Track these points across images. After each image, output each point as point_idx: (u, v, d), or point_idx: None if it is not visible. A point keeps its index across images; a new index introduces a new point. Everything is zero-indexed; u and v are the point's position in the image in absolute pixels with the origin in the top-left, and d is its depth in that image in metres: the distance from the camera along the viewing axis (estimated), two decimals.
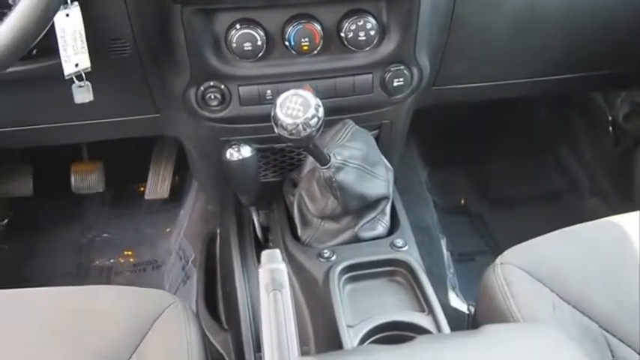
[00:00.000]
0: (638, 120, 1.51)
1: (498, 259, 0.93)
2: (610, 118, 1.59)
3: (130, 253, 1.64)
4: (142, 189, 1.75)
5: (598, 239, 0.95)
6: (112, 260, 1.62)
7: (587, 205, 1.60)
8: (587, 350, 0.79)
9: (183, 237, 1.55)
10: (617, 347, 0.82)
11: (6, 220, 1.69)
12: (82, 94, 0.91)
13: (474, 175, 1.77)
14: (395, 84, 1.04)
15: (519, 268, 0.89)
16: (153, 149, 1.71)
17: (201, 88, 1.01)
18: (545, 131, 1.80)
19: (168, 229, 1.66)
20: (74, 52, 0.85)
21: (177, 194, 1.71)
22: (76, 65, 0.87)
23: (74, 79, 0.89)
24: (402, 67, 1.04)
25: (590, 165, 1.70)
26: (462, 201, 1.70)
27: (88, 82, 0.91)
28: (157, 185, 1.70)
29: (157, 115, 1.17)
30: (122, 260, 1.63)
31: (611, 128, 1.59)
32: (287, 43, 0.97)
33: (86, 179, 1.67)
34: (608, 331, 0.84)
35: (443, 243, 1.42)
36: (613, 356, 0.81)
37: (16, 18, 0.72)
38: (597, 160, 1.68)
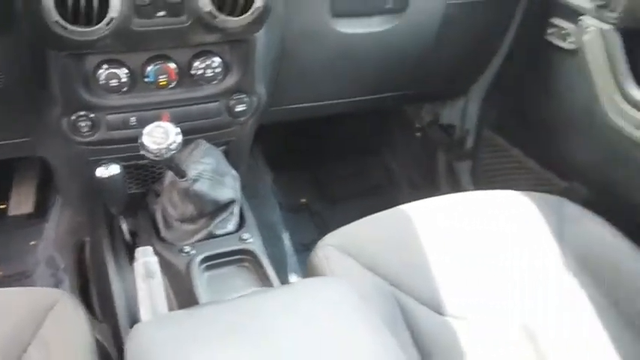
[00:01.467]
0: (437, 127, 1.85)
1: (319, 243, 1.13)
2: (417, 125, 1.92)
3: None
4: (4, 206, 1.80)
5: (392, 221, 1.18)
6: None
7: (403, 196, 1.83)
8: (379, 302, 1.01)
9: (52, 248, 1.64)
10: (402, 297, 1.05)
11: None
12: None
13: (313, 178, 1.98)
14: (238, 109, 1.25)
15: (334, 247, 1.10)
16: (16, 167, 1.79)
17: (73, 117, 1.15)
18: (370, 137, 2.07)
19: (33, 242, 1.72)
20: None
21: (41, 209, 1.78)
22: None
23: None
24: (243, 96, 1.24)
25: (405, 163, 1.99)
26: (304, 200, 1.91)
27: None
28: (21, 201, 1.79)
29: (28, 138, 1.29)
30: None
31: (418, 134, 1.92)
32: (147, 79, 1.14)
33: None
34: (396, 287, 1.06)
35: (286, 236, 1.62)
36: (399, 304, 1.04)
37: None
38: (410, 159, 1.98)
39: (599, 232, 1.16)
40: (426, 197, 1.23)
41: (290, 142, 1.92)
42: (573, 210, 1.22)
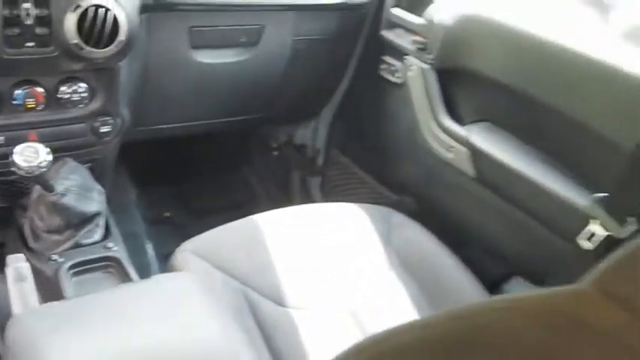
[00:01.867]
0: (292, 146, 2.03)
1: (178, 248, 1.25)
2: (274, 145, 2.09)
3: None
4: None
5: (244, 229, 1.32)
6: None
7: (262, 209, 2.01)
8: (226, 295, 1.15)
9: None
10: (249, 292, 1.19)
11: None
12: None
13: (177, 192, 2.07)
14: (103, 130, 1.36)
15: (191, 252, 1.23)
16: None
17: None
18: (232, 155, 2.20)
19: None
20: None
21: None
22: None
23: None
24: (108, 118, 1.35)
25: (263, 179, 2.15)
26: (168, 214, 2.00)
27: None
28: None
29: None
30: None
31: (275, 152, 2.09)
32: (15, 102, 1.22)
33: None
34: (244, 284, 1.20)
35: (149, 247, 1.72)
36: (246, 299, 1.18)
37: None
38: (268, 175, 2.14)
39: (418, 237, 1.38)
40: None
41: (155, 159, 2.00)
42: (399, 219, 1.43)
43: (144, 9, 1.28)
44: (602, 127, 1.14)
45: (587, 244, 1.15)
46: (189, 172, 2.12)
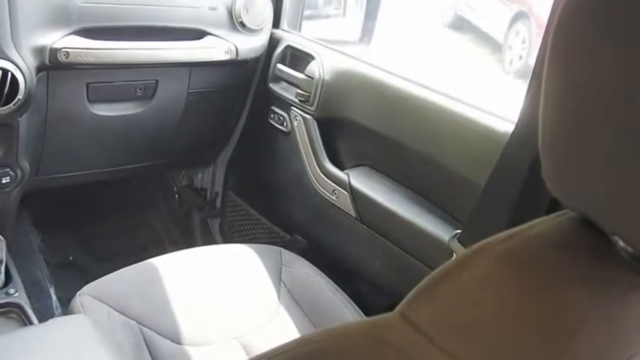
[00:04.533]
0: (192, 190, 2.14)
1: (78, 292, 1.28)
2: (175, 188, 2.19)
3: None
4: None
5: (142, 271, 1.37)
6: None
7: (165, 252, 2.09)
8: (124, 336, 1.21)
9: None
10: (147, 332, 1.24)
11: None
12: None
13: (81, 236, 2.11)
14: (3, 181, 1.44)
15: (90, 295, 1.27)
16: None
17: None
18: (136, 198, 2.26)
19: None
20: None
21: None
22: None
23: None
24: (8, 169, 1.43)
25: (166, 222, 2.23)
26: (71, 257, 2.03)
27: None
28: None
29: None
30: None
31: (177, 196, 2.19)
32: None
33: None
34: (142, 325, 1.24)
35: (52, 290, 1.76)
36: (144, 339, 1.22)
37: None
38: (170, 218, 2.22)
39: (307, 273, 1.48)
40: None
41: (59, 203, 2.05)
42: (289, 257, 1.53)
43: (42, 68, 1.38)
44: (457, 166, 1.30)
45: None
46: (93, 216, 2.17)
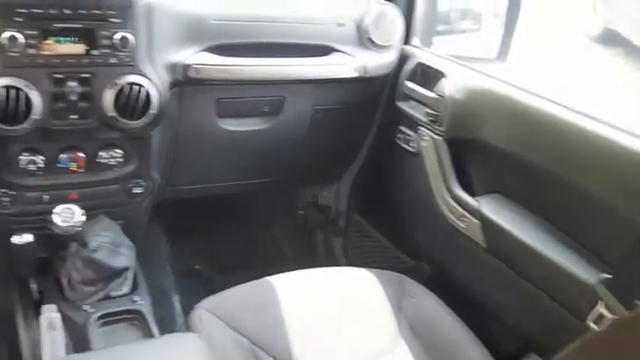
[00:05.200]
0: (316, 207, 2.13)
1: (196, 306, 1.30)
2: (299, 205, 2.19)
3: None
4: None
5: (258, 289, 1.36)
6: None
7: (287, 267, 2.03)
8: (236, 356, 1.21)
9: None
10: (258, 352, 1.23)
11: None
12: None
13: (207, 245, 2.16)
14: (135, 191, 1.50)
15: (207, 310, 1.28)
16: None
17: None
18: (260, 212, 2.29)
19: None
20: None
21: None
22: None
23: None
24: (140, 180, 1.49)
25: (289, 238, 2.23)
26: (197, 266, 2.09)
27: None
28: None
29: None
30: None
31: (301, 212, 2.18)
32: (60, 165, 1.37)
33: None
34: (253, 343, 1.24)
35: (176, 299, 1.82)
36: (255, 358, 1.21)
37: None
38: (293, 234, 2.22)
39: (430, 305, 1.39)
40: (305, 269, 1.46)
41: (187, 214, 2.11)
42: (411, 286, 1.45)
43: (175, 84, 1.43)
44: (606, 198, 1.15)
45: (596, 328, 1.07)
46: (219, 227, 2.22)
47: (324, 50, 1.61)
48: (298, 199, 2.21)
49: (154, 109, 1.35)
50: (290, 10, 1.62)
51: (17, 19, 1.23)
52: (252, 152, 1.72)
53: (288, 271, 1.44)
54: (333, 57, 1.62)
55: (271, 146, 1.72)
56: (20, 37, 1.23)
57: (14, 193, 1.39)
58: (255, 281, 1.41)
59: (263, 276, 1.43)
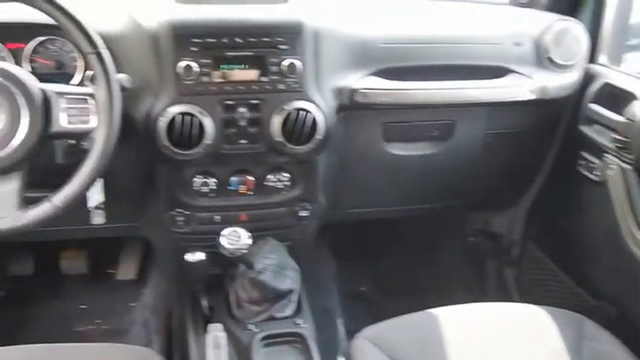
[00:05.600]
0: (486, 234, 2.03)
1: (357, 334, 1.29)
2: (468, 231, 2.11)
3: (102, 321, 1.99)
4: (113, 271, 2.14)
5: (421, 322, 1.32)
6: (88, 327, 1.97)
7: (453, 296, 1.99)
8: None
9: (147, 311, 1.93)
10: None
11: (4, 293, 2.05)
12: (98, 218, 1.38)
13: (373, 268, 2.15)
14: (302, 214, 1.52)
15: (368, 340, 1.26)
16: (124, 242, 2.13)
17: (172, 213, 1.46)
18: (427, 237, 2.22)
19: (133, 304, 2.02)
20: (96, 194, 1.34)
21: (142, 277, 2.10)
22: (97, 201, 1.35)
23: (94, 209, 1.36)
24: (306, 204, 1.51)
25: (457, 265, 2.15)
26: (362, 288, 2.09)
27: (102, 210, 1.38)
28: (127, 269, 2.13)
29: (137, 224, 1.60)
30: (95, 327, 1.98)
31: (470, 239, 2.10)
32: (230, 187, 1.43)
33: (73, 263, 2.08)
34: None
35: (340, 322, 1.81)
36: None
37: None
38: (462, 262, 2.14)
39: (614, 353, 1.26)
40: (474, 299, 1.39)
41: (354, 235, 2.12)
42: (592, 329, 1.32)
43: (341, 108, 1.43)
44: None
45: None
46: (385, 251, 2.20)
47: (497, 71, 1.53)
48: (468, 225, 2.13)
49: (320, 135, 1.35)
50: (463, 29, 1.56)
51: (192, 48, 1.30)
52: (419, 177, 1.68)
53: (455, 299, 1.39)
54: (508, 79, 1.53)
55: (440, 171, 1.67)
56: (195, 66, 1.29)
57: (188, 213, 1.47)
58: (420, 312, 1.36)
59: (428, 302, 1.38)
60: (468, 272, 2.15)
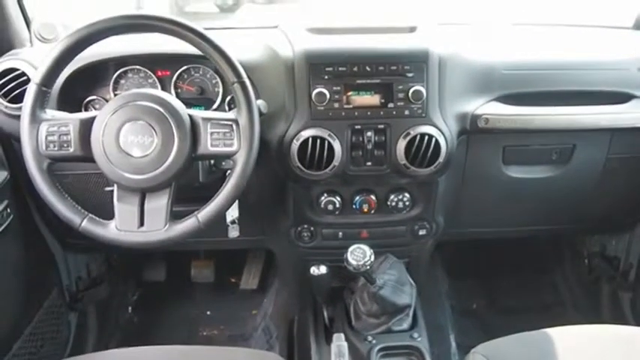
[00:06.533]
0: (603, 257, 2.00)
1: (472, 350, 1.29)
2: (585, 253, 2.08)
3: (225, 327, 2.14)
4: (238, 281, 2.29)
5: (536, 342, 1.31)
6: (213, 332, 2.12)
7: (567, 317, 2.01)
8: None
9: (269, 319, 2.05)
10: None
11: (136, 297, 2.25)
12: (234, 231, 1.50)
13: (486, 286, 2.18)
14: (420, 233, 1.59)
15: (482, 354, 1.26)
16: (248, 253, 2.28)
17: (299, 228, 1.58)
18: (542, 258, 2.24)
19: (255, 312, 2.16)
20: (232, 210, 1.46)
21: (263, 287, 2.24)
22: (232, 216, 1.47)
23: (230, 224, 1.49)
24: (425, 223, 1.58)
25: (571, 286, 2.13)
26: (474, 306, 2.11)
27: (237, 225, 1.50)
28: (249, 279, 2.28)
29: (263, 237, 1.72)
30: (219, 332, 2.14)
31: (586, 261, 2.08)
32: (354, 206, 1.52)
33: (201, 272, 2.25)
34: None
35: (452, 337, 1.86)
36: None
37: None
38: (576, 283, 2.12)
39: None
40: (587, 323, 1.38)
41: (468, 254, 2.16)
42: None
43: (462, 133, 1.48)
44: None
45: None
46: (499, 270, 2.23)
47: (620, 97, 1.52)
48: (584, 247, 2.10)
49: (442, 158, 1.41)
50: (585, 55, 1.58)
51: (325, 76, 1.40)
52: (536, 199, 1.69)
53: (567, 320, 1.39)
54: (632, 104, 1.52)
55: (558, 194, 1.67)
56: (326, 92, 1.39)
57: (313, 229, 1.58)
58: (534, 332, 1.36)
59: (541, 322, 1.39)
60: (582, 295, 2.12)
